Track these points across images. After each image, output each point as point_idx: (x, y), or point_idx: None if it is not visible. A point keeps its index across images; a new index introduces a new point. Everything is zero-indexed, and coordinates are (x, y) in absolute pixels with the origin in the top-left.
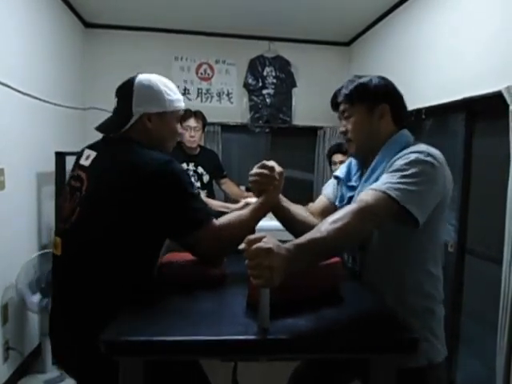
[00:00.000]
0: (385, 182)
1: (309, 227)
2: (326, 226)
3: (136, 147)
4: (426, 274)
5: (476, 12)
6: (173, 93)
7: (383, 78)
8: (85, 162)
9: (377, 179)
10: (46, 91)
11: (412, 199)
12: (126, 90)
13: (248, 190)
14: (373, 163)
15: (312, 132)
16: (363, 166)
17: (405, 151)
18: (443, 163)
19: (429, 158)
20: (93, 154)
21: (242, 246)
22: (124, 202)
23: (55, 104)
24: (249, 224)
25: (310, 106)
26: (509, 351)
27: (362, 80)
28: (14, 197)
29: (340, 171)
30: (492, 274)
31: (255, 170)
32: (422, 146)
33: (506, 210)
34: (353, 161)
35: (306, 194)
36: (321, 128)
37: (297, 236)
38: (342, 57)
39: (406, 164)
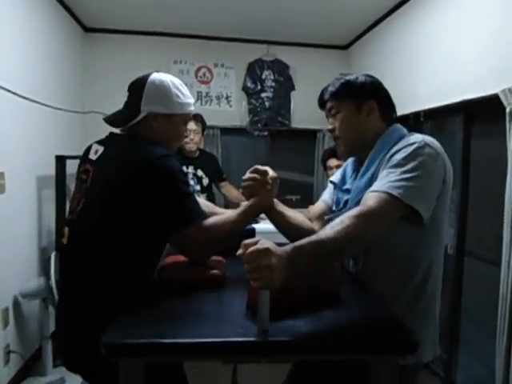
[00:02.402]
0: (385, 180)
1: (303, 231)
2: (325, 230)
3: (137, 142)
4: (429, 273)
5: (473, 16)
6: (183, 96)
7: (369, 76)
8: (93, 156)
9: (373, 175)
10: (46, 95)
11: (415, 195)
12: (137, 86)
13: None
14: (368, 159)
15: (311, 135)
16: (359, 164)
17: (401, 143)
18: (441, 151)
19: (427, 149)
20: (100, 148)
21: (239, 252)
22: (120, 196)
23: (55, 108)
24: (236, 226)
25: (308, 109)
26: (508, 352)
27: (348, 77)
28: (14, 200)
29: (335, 176)
30: (491, 275)
31: (247, 174)
32: (418, 136)
33: (504, 212)
34: (349, 165)
35: (306, 197)
36: (320, 131)
37: (291, 240)
38: (341, 60)
39: (405, 158)
